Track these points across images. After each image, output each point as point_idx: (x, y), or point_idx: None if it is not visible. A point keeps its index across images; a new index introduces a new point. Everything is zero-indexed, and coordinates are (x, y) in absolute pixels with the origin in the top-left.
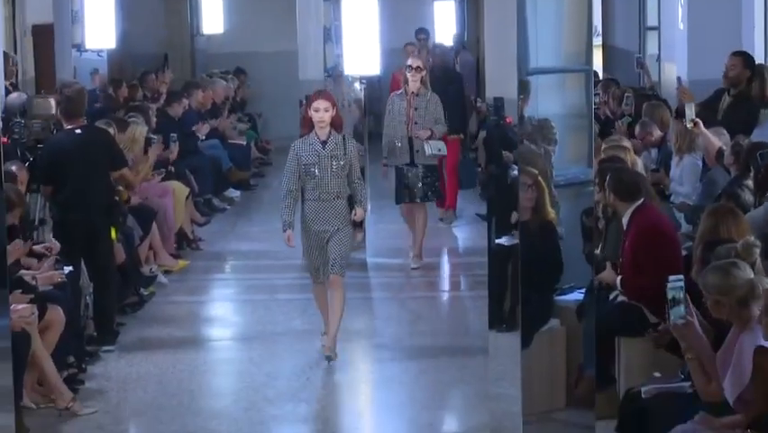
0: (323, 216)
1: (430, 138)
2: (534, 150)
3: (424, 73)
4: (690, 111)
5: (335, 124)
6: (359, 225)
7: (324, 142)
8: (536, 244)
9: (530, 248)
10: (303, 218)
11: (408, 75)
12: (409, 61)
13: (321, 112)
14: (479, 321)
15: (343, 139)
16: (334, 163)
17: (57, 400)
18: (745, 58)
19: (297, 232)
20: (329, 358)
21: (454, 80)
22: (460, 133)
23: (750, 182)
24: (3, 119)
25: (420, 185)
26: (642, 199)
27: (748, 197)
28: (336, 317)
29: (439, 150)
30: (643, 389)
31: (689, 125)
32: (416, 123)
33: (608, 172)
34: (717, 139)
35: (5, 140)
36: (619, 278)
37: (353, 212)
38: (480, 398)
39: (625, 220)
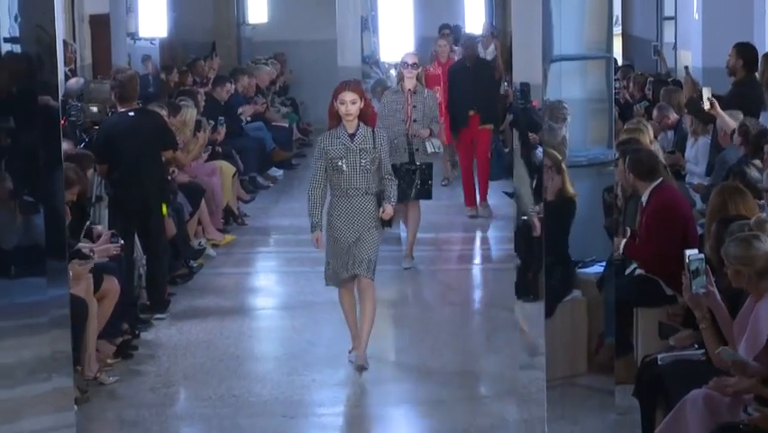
0: (350, 214)
1: (430, 136)
2: (556, 131)
3: (420, 70)
4: (707, 93)
5: (365, 117)
6: (387, 224)
7: (352, 136)
8: (560, 219)
9: (554, 223)
10: (329, 215)
11: (404, 72)
12: (405, 58)
13: (348, 105)
14: (505, 291)
15: (373, 132)
16: (363, 158)
17: (84, 369)
18: (739, 48)
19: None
20: (361, 368)
21: (485, 70)
22: (492, 123)
23: (758, 161)
24: (62, 102)
25: (417, 183)
26: (660, 179)
27: (755, 174)
28: (367, 326)
29: (438, 147)
30: (659, 356)
31: (706, 106)
32: (414, 120)
33: (628, 153)
34: (733, 120)
35: (63, 122)
36: (623, 241)
37: (381, 209)
38: (508, 363)
39: (644, 199)
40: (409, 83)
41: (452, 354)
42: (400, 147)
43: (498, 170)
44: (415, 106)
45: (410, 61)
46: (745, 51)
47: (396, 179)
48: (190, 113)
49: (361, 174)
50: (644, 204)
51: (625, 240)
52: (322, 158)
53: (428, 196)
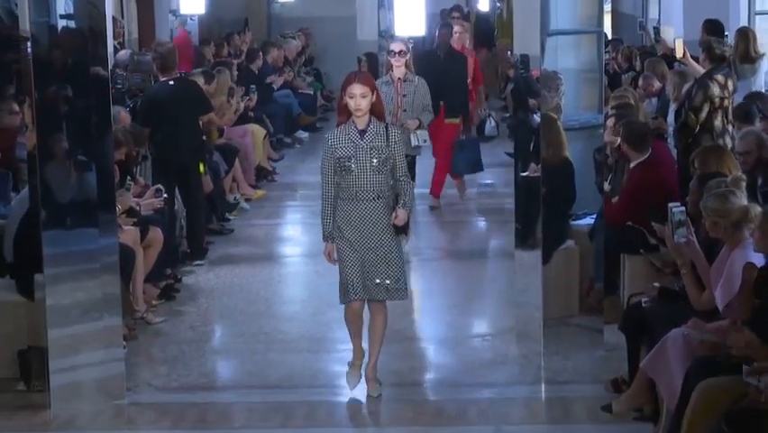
0: (359, 221)
1: (418, 128)
2: (551, 98)
3: (408, 57)
4: (680, 43)
5: (376, 112)
6: (402, 231)
7: (362, 132)
8: (555, 177)
9: (550, 180)
10: (337, 222)
11: (392, 60)
12: (392, 46)
13: (357, 98)
14: (507, 240)
15: (386, 129)
16: (374, 157)
17: (131, 310)
18: (707, 24)
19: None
20: (376, 393)
21: (457, 62)
22: (458, 117)
23: (720, 76)
24: (112, 72)
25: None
26: (649, 152)
27: (716, 90)
28: (377, 346)
29: (424, 141)
30: (642, 300)
31: (678, 55)
32: (404, 110)
33: (617, 118)
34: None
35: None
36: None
37: (393, 214)
38: (508, 305)
39: (632, 165)
40: (398, 72)
41: (458, 296)
42: None
43: (466, 165)
44: (405, 96)
45: (396, 49)
46: (712, 27)
47: (413, 182)
48: (223, 78)
49: (371, 175)
50: (630, 168)
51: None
52: (330, 157)
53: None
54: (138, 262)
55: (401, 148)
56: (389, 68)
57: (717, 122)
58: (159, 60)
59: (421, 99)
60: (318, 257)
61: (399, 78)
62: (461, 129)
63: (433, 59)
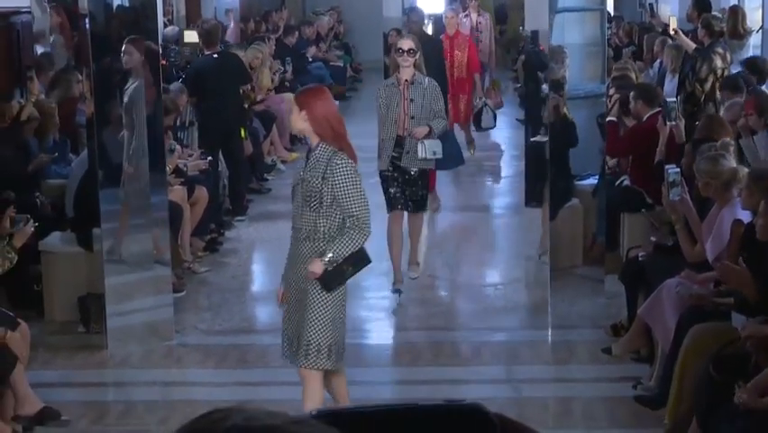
0: (290, 260)
1: (428, 137)
2: (557, 69)
3: (417, 56)
4: (673, 23)
5: (321, 133)
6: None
7: (309, 153)
8: (561, 139)
9: (556, 143)
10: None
11: (399, 60)
12: (399, 43)
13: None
14: (517, 198)
15: (330, 158)
16: (305, 188)
17: (180, 260)
18: (695, 1)
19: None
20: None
21: (433, 50)
22: None
23: (720, 49)
24: (162, 47)
25: (412, 192)
26: (659, 108)
27: (719, 62)
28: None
29: (434, 153)
30: (639, 254)
31: (671, 32)
32: (411, 117)
33: (618, 89)
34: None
35: (164, 62)
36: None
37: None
38: (518, 257)
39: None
40: (405, 72)
41: (472, 249)
42: (387, 149)
43: (443, 161)
44: (412, 100)
45: (405, 47)
46: (700, 3)
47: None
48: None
49: (301, 208)
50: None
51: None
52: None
53: (422, 207)
54: (185, 218)
55: (341, 182)
56: (395, 68)
57: (719, 92)
58: (204, 35)
59: (431, 104)
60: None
61: (406, 81)
62: None
63: None
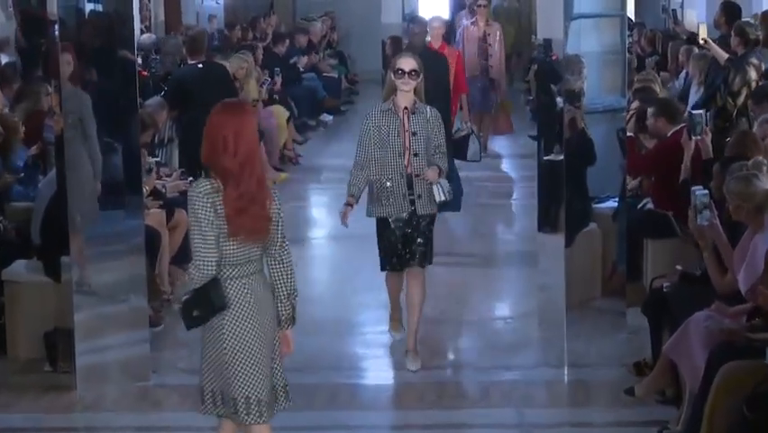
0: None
1: (438, 176)
2: (573, 81)
3: (420, 80)
4: (703, 31)
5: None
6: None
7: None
8: (577, 157)
9: (573, 162)
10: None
11: (399, 82)
12: (399, 63)
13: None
14: (530, 223)
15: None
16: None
17: (157, 292)
18: (724, 5)
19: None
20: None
21: (437, 65)
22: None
23: (755, 59)
24: (141, 56)
25: (419, 244)
26: (682, 124)
27: (753, 74)
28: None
29: (449, 192)
30: (664, 284)
31: (701, 41)
32: (415, 155)
33: (639, 102)
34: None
35: (145, 73)
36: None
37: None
38: (530, 288)
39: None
40: (405, 99)
41: (479, 279)
42: (396, 194)
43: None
44: (414, 133)
45: (407, 68)
46: (729, 8)
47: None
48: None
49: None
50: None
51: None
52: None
53: (427, 259)
54: (164, 244)
55: (189, 216)
56: (391, 91)
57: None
58: (188, 43)
59: (434, 136)
60: (343, 240)
61: (407, 108)
62: None
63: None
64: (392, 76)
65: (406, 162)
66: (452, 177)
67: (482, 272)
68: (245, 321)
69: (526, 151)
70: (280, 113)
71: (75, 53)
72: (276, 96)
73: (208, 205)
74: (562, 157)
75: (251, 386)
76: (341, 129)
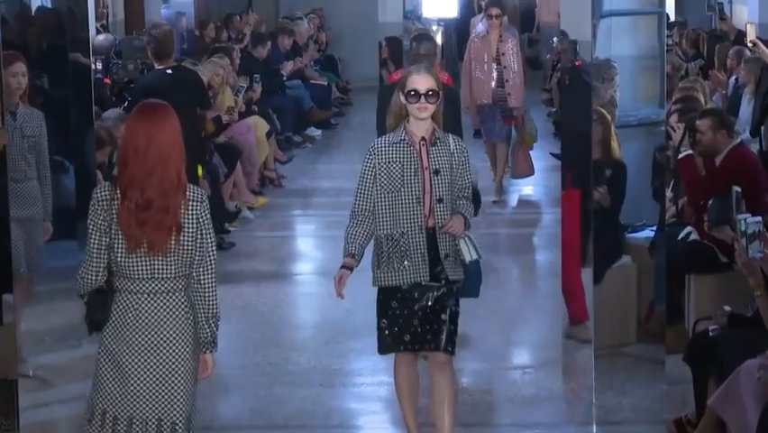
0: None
1: (465, 230)
2: (603, 90)
3: (439, 103)
4: (752, 32)
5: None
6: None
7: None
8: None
9: (600, 184)
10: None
11: (413, 108)
12: (413, 82)
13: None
14: (552, 257)
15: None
16: None
17: None
18: None
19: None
20: None
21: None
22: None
23: None
24: (102, 60)
25: (443, 321)
26: (740, 138)
27: None
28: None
29: (477, 250)
30: (710, 328)
31: (749, 44)
32: (439, 200)
33: (680, 114)
34: None
35: (107, 80)
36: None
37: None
38: (553, 332)
39: (718, 159)
40: (421, 127)
41: (495, 322)
42: (414, 254)
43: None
44: (437, 172)
45: (423, 88)
46: None
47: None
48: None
49: None
50: (716, 162)
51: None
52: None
53: (453, 341)
54: None
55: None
56: (400, 118)
57: None
58: (154, 45)
59: (459, 176)
60: (332, 277)
61: (424, 140)
62: None
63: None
64: (402, 99)
65: (426, 211)
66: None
67: (496, 314)
68: (113, 340)
69: (549, 177)
70: (260, 126)
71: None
72: (255, 107)
73: (99, 211)
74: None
75: (104, 399)
76: (331, 146)
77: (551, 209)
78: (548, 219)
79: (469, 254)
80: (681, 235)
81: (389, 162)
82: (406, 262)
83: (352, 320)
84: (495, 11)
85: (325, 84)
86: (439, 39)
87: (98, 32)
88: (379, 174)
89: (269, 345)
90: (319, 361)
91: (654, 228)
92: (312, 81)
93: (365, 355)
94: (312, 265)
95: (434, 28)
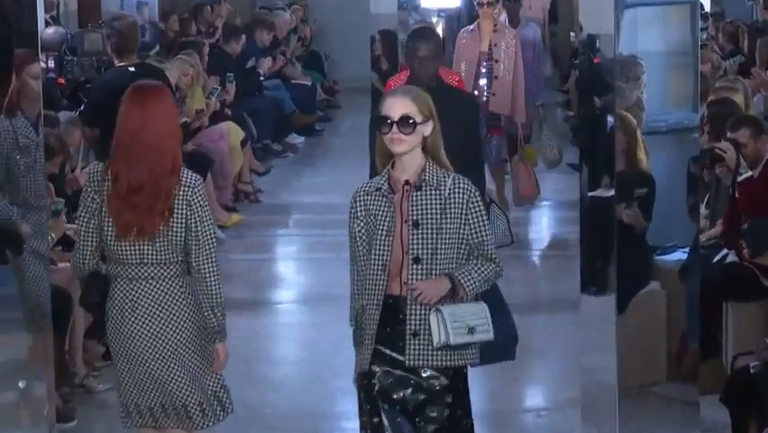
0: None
1: (449, 300)
2: (628, 91)
3: (430, 130)
4: None
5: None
6: None
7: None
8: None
9: (627, 201)
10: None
11: (387, 140)
12: (386, 108)
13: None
14: (570, 283)
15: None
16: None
17: (68, 374)
18: None
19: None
20: None
21: (459, 106)
22: None
23: None
24: (54, 58)
25: (432, 418)
26: None
27: None
28: None
29: (468, 330)
30: (751, 364)
31: None
32: (415, 260)
33: (713, 119)
34: None
35: (62, 80)
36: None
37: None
38: (571, 369)
39: (756, 171)
40: (406, 167)
41: None
42: (368, 328)
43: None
44: (416, 224)
45: (395, 114)
46: None
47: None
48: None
49: None
50: (755, 175)
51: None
52: None
53: None
54: (76, 310)
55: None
56: (386, 157)
57: None
58: (115, 39)
59: (469, 229)
60: (317, 304)
61: (408, 184)
62: None
63: None
64: (380, 130)
65: (400, 275)
66: (502, 309)
67: None
68: (116, 326)
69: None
70: (234, 133)
71: None
72: (228, 111)
73: (89, 191)
74: (611, 193)
75: (126, 393)
76: (315, 155)
77: (566, 228)
78: (563, 239)
79: (438, 335)
80: (718, 258)
81: (366, 216)
82: (366, 342)
83: (340, 355)
84: None
85: (309, 84)
86: (441, 33)
87: (47, 24)
88: (358, 230)
89: (244, 384)
90: (301, 402)
91: (687, 250)
92: (294, 81)
93: (354, 396)
94: (293, 292)
95: (435, 20)
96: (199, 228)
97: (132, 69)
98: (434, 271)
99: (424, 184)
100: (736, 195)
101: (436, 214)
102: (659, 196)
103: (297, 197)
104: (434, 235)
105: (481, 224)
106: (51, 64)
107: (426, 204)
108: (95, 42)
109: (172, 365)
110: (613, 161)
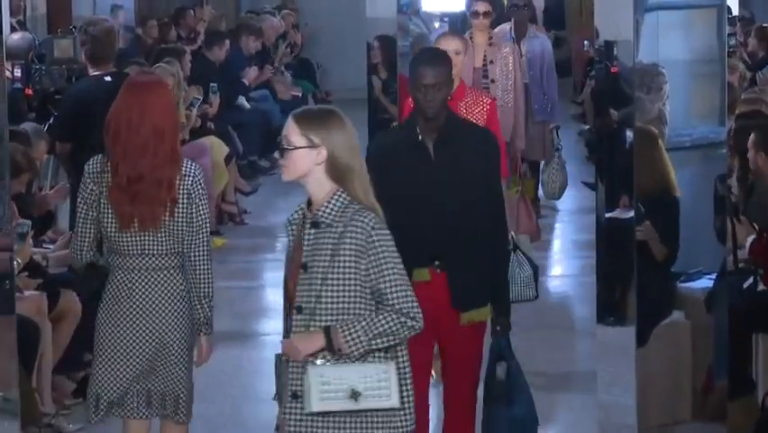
0: None
1: (331, 355)
2: (648, 103)
3: (328, 155)
4: None
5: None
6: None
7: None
8: (656, 217)
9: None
10: None
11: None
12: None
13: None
14: (585, 312)
15: None
16: None
17: (35, 412)
18: None
19: None
20: None
21: (475, 148)
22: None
23: None
24: (21, 67)
25: None
26: None
27: None
28: None
29: (352, 393)
30: None
31: None
32: (297, 309)
33: (740, 133)
34: None
35: (29, 91)
36: (750, 238)
37: None
38: (587, 408)
39: None
40: (313, 200)
41: None
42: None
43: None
44: (304, 267)
45: (284, 139)
46: None
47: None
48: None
49: None
50: None
51: (751, 238)
52: None
53: None
54: (44, 343)
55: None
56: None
57: None
58: (90, 46)
59: (375, 276)
60: None
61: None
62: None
63: (414, 146)
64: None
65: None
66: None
67: None
68: (107, 320)
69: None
70: (217, 148)
71: None
72: (211, 124)
73: (88, 183)
74: (630, 214)
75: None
76: None
77: (581, 252)
78: (577, 264)
79: (308, 401)
80: (747, 284)
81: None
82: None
83: None
84: (482, 6)
85: (300, 95)
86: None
87: (13, 29)
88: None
89: (228, 423)
90: None
91: (714, 276)
92: (283, 92)
93: None
94: (282, 323)
95: (437, 25)
96: (197, 218)
97: (108, 78)
98: (314, 324)
99: (321, 221)
100: None
101: (326, 256)
102: (683, 217)
103: (285, 218)
104: (320, 282)
105: (385, 268)
106: (18, 73)
107: (320, 243)
108: (65, 49)
109: (169, 356)
110: (632, 179)
